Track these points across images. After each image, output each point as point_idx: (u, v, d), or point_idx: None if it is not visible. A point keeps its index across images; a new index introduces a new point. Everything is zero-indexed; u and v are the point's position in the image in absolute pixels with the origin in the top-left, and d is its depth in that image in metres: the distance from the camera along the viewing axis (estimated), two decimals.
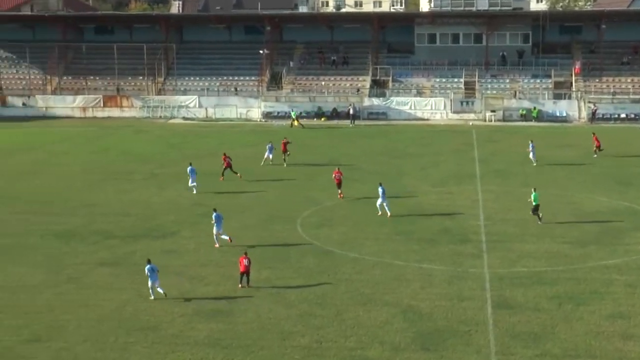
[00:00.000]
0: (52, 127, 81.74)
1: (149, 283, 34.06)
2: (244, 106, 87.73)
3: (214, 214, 41.22)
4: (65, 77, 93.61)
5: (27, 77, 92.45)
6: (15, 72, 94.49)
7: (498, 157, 64.62)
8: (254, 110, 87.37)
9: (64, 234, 43.82)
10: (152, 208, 49.46)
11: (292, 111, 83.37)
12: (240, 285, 35.18)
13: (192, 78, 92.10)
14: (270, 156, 61.52)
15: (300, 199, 51.13)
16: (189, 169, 53.41)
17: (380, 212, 46.19)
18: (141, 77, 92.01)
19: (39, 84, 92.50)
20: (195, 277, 36.75)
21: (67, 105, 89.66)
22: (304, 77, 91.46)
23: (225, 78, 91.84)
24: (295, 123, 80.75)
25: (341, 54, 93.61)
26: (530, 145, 61.48)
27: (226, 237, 41.13)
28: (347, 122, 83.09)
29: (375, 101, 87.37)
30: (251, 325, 31.37)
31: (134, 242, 42.36)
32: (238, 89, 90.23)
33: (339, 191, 50.68)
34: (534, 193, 44.78)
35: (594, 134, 66.25)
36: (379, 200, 46.16)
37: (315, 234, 43.36)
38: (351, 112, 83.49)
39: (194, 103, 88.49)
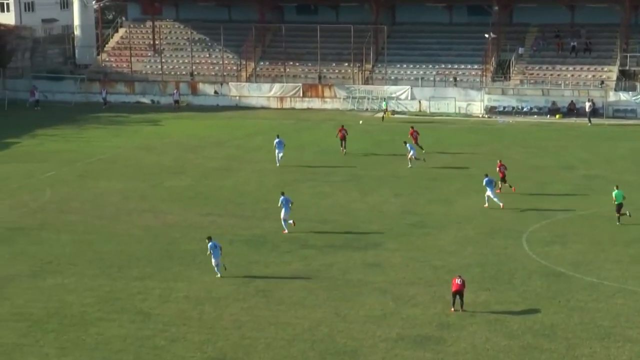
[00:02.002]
0: (246, 118, 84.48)
1: (213, 261, 39.21)
2: (464, 99, 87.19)
3: (282, 197, 46.46)
4: (261, 63, 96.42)
5: (221, 62, 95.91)
6: (207, 56, 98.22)
7: None
8: (476, 104, 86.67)
9: (254, 241, 45.21)
10: (353, 215, 50.11)
11: (384, 101, 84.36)
12: (452, 309, 35.06)
13: (404, 66, 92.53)
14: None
15: (527, 210, 50.37)
16: (276, 141, 62.01)
17: (486, 204, 50.05)
18: (346, 64, 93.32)
19: (233, 70, 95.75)
20: (401, 297, 36.93)
21: (263, 94, 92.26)
22: (536, 66, 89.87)
23: (443, 66, 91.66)
24: (387, 115, 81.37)
25: (583, 39, 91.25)
26: None
27: (290, 222, 45.60)
28: (587, 120, 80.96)
29: (623, 96, 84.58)
30: (464, 357, 31.18)
31: (332, 253, 43.06)
32: (458, 79, 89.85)
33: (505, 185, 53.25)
34: (615, 191, 46.98)
35: None
36: (488, 192, 50.20)
37: (544, 252, 42.59)
38: (587, 108, 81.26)
39: (406, 94, 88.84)
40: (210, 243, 40.03)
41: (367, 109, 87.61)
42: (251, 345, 32.46)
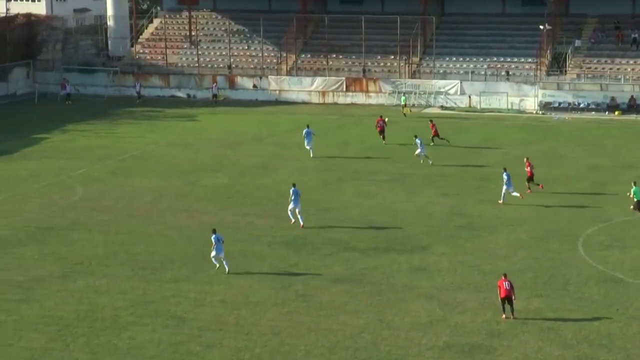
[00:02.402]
0: (285, 114, 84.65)
1: (213, 253, 40.44)
2: (517, 94, 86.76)
3: (293, 189, 48.02)
4: (303, 55, 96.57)
5: (260, 55, 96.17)
6: (246, 48, 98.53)
7: None
8: (529, 99, 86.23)
9: (293, 242, 45.33)
10: (398, 216, 50.09)
11: (403, 96, 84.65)
12: (503, 316, 34.96)
13: (453, 59, 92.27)
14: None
15: (583, 212, 50.11)
16: (305, 131, 64.50)
17: (502, 201, 51.49)
18: (392, 57, 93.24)
19: (273, 63, 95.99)
20: (448, 303, 36.87)
21: (304, 88, 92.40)
22: (594, 59, 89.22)
23: (494, 59, 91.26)
24: (406, 110, 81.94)
25: None
26: None
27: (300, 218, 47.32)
28: None
29: None
30: None
31: (376, 256, 43.08)
32: (510, 73, 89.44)
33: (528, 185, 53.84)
34: (634, 187, 48.33)
35: None
36: (504, 188, 51.38)
37: (602, 257, 42.33)
38: None
39: (455, 89, 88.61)
40: (213, 236, 41.10)
41: (413, 105, 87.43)
42: (290, 352, 32.55)
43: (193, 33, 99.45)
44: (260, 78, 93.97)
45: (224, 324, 35.19)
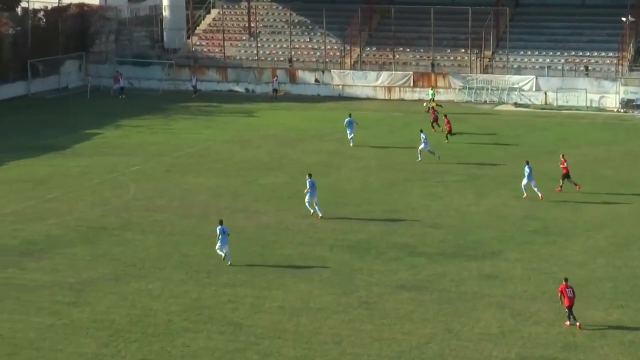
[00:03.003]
0: (349, 110, 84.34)
1: (218, 244, 42.67)
2: (597, 91, 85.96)
3: (309, 180, 49.86)
4: (368, 49, 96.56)
5: (322, 48, 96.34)
6: (308, 40, 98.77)
7: None
8: (610, 97, 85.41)
9: (357, 246, 45.34)
10: (468, 219, 49.91)
11: (431, 91, 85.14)
12: (578, 325, 34.66)
13: (529, 53, 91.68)
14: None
15: None
16: (347, 120, 67.96)
17: (525, 195, 52.83)
18: (463, 50, 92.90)
19: (336, 56, 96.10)
20: (521, 313, 36.67)
21: (369, 83, 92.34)
22: None
23: (573, 54, 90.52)
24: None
25: None
26: None
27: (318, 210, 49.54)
28: None
29: None
30: None
31: (444, 262, 42.97)
32: (590, 68, 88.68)
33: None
34: None
35: None
36: (525, 181, 53.04)
37: None
38: None
39: (530, 85, 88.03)
40: (220, 227, 43.10)
41: (485, 102, 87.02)
42: None
43: (252, 24, 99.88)
44: (323, 72, 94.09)
45: (282, 331, 35.30)
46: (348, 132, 68.05)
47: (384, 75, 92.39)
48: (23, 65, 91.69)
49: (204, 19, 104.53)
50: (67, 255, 44.60)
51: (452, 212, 51.47)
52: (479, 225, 48.70)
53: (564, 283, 35.35)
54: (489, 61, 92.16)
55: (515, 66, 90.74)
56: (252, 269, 42.32)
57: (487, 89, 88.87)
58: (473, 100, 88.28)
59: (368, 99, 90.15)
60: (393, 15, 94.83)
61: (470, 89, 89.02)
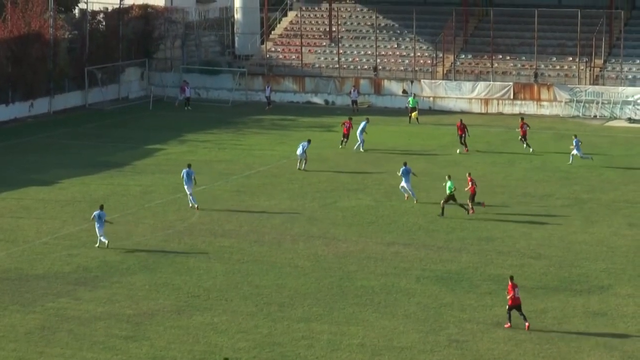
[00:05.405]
0: (441, 125, 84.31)
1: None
2: None
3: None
4: (462, 56, 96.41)
5: (411, 55, 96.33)
6: (395, 46, 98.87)
7: None
8: None
9: (447, 278, 45.27)
10: (573, 250, 49.57)
11: (411, 98, 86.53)
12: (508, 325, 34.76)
13: None
14: None
15: None
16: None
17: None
18: (570, 58, 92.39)
19: (427, 64, 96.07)
20: (633, 355, 36.48)
21: (463, 95, 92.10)
22: None
23: None
24: (414, 116, 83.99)
25: None
26: None
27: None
28: None
29: None
30: None
31: (545, 296, 42.72)
32: None
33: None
34: None
35: None
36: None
37: None
38: None
39: None
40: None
41: (595, 116, 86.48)
42: None
43: (334, 29, 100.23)
44: (412, 82, 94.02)
45: None
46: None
47: (481, 85, 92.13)
48: (80, 73, 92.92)
49: (279, 22, 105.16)
50: (125, 284, 45.12)
51: (555, 240, 51.14)
52: (586, 257, 48.35)
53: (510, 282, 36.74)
54: (600, 70, 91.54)
55: (630, 76, 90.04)
56: (330, 301, 42.45)
57: (597, 102, 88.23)
58: (581, 115, 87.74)
59: (462, 112, 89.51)
60: (491, 19, 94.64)
61: (578, 102, 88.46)
